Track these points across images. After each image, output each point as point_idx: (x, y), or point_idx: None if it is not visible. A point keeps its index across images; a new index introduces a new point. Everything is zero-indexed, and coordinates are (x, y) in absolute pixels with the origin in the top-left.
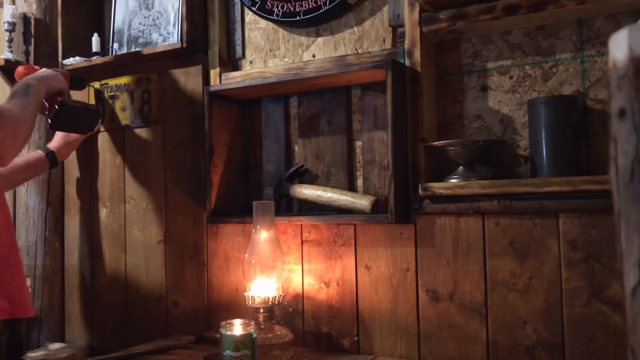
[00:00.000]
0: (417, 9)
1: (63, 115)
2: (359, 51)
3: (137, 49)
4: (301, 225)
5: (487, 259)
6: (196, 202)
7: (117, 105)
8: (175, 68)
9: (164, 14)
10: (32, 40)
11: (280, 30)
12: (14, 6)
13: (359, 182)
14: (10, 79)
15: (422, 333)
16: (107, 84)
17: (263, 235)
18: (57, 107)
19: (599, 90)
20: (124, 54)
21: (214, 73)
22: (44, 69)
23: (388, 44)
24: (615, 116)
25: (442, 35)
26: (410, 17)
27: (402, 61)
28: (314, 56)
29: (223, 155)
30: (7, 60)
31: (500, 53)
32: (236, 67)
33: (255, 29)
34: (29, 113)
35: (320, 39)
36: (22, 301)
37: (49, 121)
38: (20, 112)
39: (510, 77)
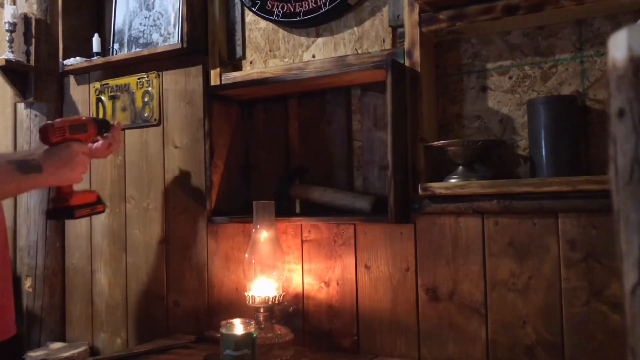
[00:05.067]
0: (416, 10)
1: (66, 218)
2: (359, 51)
3: (138, 49)
4: (301, 225)
5: (487, 258)
6: (196, 202)
7: (118, 105)
8: (175, 68)
9: (164, 15)
10: (33, 40)
11: (281, 30)
12: (14, 6)
13: (359, 182)
14: (12, 79)
15: (421, 333)
16: (108, 84)
17: (263, 235)
18: (64, 209)
19: (598, 91)
20: (124, 54)
21: (214, 73)
22: (70, 151)
23: (388, 44)
24: (614, 116)
25: (442, 36)
26: (410, 18)
27: (402, 61)
28: (314, 56)
29: (223, 155)
30: (7, 61)
31: (499, 53)
32: (236, 67)
33: (256, 29)
34: (5, 188)
35: (320, 40)
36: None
37: (47, 213)
38: None
39: (510, 78)
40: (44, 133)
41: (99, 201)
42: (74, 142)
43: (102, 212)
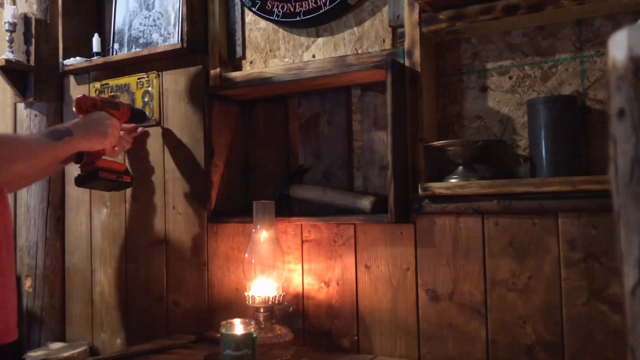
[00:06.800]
0: (417, 10)
1: (91, 180)
2: (359, 51)
3: (138, 49)
4: (301, 225)
5: (487, 258)
6: (196, 202)
7: None
8: (175, 68)
9: (164, 15)
10: (33, 40)
11: (281, 30)
12: (14, 6)
13: (359, 182)
14: (12, 79)
15: (421, 332)
16: (108, 84)
17: (263, 235)
18: (90, 171)
19: (599, 91)
20: (124, 54)
21: (214, 73)
22: (100, 116)
23: (388, 44)
24: (614, 116)
25: (442, 36)
26: (410, 18)
27: (401, 61)
28: (314, 56)
29: (223, 155)
30: (7, 60)
31: (499, 53)
32: (236, 67)
33: (256, 29)
34: (43, 158)
35: (320, 39)
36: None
37: (75, 179)
38: (34, 151)
39: (510, 78)
40: (77, 102)
41: (127, 172)
42: (105, 112)
43: (129, 184)
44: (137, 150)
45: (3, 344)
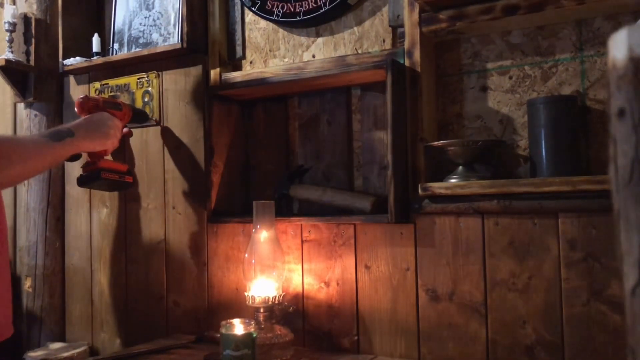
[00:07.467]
0: (417, 9)
1: (93, 181)
2: (359, 51)
3: (138, 49)
4: (301, 225)
5: (487, 258)
6: (196, 202)
7: None
8: (175, 68)
9: (164, 14)
10: (33, 40)
11: (281, 30)
12: (14, 6)
13: (359, 182)
14: (11, 79)
15: (421, 333)
16: (108, 84)
17: (263, 235)
18: (92, 171)
19: (599, 91)
20: (124, 54)
21: (214, 73)
22: (102, 117)
23: (388, 44)
24: (614, 116)
25: (442, 36)
26: (410, 18)
27: (401, 61)
28: (314, 56)
29: (223, 155)
30: (7, 61)
31: (499, 53)
32: (236, 67)
33: (256, 29)
34: (43, 160)
35: (320, 39)
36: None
37: (78, 179)
38: (33, 153)
39: (510, 78)
40: (79, 102)
41: (129, 172)
42: (107, 113)
43: (131, 184)
44: (137, 150)
45: (1, 342)
